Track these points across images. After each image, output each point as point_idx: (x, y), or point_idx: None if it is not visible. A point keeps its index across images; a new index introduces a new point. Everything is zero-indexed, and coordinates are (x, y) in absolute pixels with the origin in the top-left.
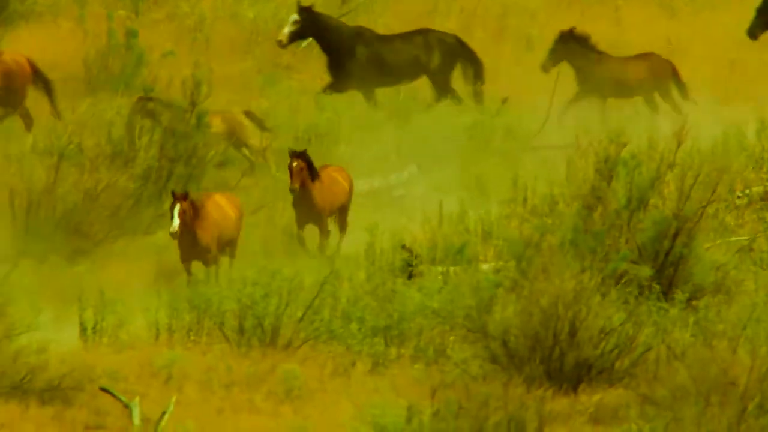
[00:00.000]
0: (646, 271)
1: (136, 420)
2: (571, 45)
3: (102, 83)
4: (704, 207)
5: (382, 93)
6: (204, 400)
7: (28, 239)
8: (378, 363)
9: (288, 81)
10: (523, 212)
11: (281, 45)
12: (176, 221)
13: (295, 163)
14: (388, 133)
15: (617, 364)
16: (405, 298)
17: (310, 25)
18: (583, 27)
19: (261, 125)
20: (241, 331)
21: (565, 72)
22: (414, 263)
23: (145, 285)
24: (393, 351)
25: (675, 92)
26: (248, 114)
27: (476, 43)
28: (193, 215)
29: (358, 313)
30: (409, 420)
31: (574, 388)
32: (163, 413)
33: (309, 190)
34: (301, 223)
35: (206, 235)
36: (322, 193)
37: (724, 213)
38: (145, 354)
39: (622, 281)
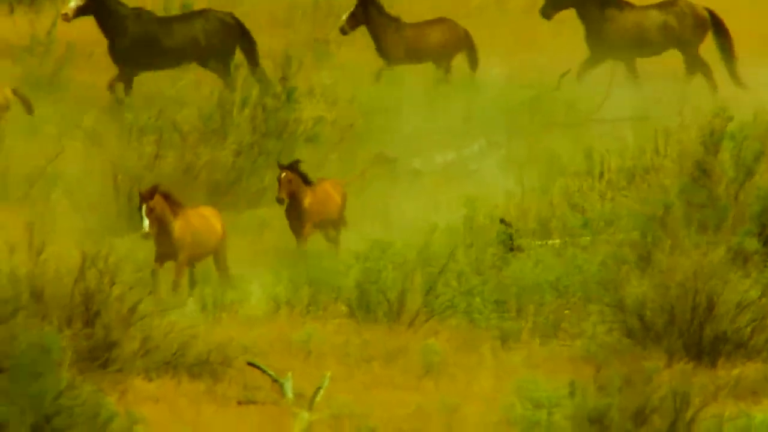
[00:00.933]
0: (753, 243)
1: (290, 394)
2: (370, 10)
3: None
4: None
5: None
6: (348, 375)
7: (133, 215)
8: (507, 338)
9: (338, 56)
10: (600, 186)
11: (66, 19)
12: (145, 221)
13: (283, 175)
14: (451, 108)
15: (754, 339)
16: (522, 273)
17: (94, 3)
18: None
19: (27, 104)
20: (366, 305)
21: None
22: (513, 237)
23: (254, 259)
24: (515, 324)
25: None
26: (15, 92)
27: (510, 15)
28: (169, 211)
29: (479, 287)
30: (572, 394)
31: (713, 363)
32: (318, 388)
33: (300, 199)
34: (296, 230)
35: (180, 235)
36: (311, 203)
37: None
38: (275, 329)
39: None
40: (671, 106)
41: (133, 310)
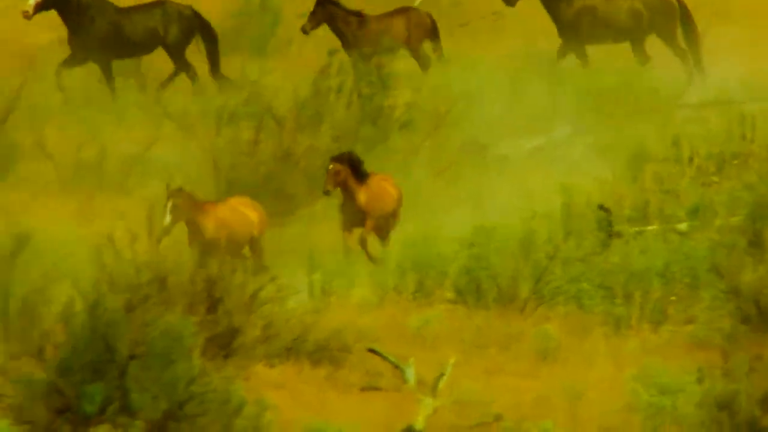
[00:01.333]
0: None
1: (411, 380)
2: (330, 8)
3: (239, 44)
4: None
5: (514, 55)
6: (465, 361)
7: None
8: (619, 324)
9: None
10: (690, 171)
11: (27, 16)
12: (167, 217)
13: (331, 166)
14: (533, 94)
15: None
16: (629, 259)
17: None
18: None
19: None
20: (476, 291)
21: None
22: (612, 223)
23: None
24: (624, 310)
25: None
26: None
27: None
28: (195, 210)
29: (586, 273)
30: (700, 380)
31: None
32: (441, 375)
33: (353, 193)
34: (347, 226)
35: (212, 230)
36: (368, 197)
37: None
38: (384, 315)
39: None
40: (755, 91)
41: (254, 296)
